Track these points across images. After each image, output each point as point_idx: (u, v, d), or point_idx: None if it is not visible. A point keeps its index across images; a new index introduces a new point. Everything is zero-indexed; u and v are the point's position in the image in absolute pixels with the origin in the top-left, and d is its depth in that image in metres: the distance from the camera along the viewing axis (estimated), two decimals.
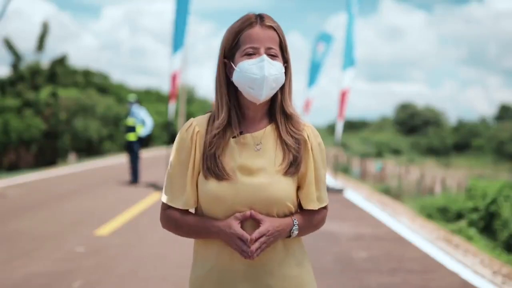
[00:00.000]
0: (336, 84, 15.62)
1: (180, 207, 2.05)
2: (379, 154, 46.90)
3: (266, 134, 2.06)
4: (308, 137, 2.07)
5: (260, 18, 2.04)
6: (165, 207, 2.09)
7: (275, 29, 2.04)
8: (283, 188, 2.01)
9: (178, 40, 13.39)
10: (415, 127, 64.15)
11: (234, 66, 2.02)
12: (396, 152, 53.17)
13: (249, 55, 2.00)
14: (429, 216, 11.51)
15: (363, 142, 55.21)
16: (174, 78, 13.52)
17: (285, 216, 2.04)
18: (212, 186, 2.00)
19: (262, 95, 2.00)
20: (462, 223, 10.51)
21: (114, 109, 32.06)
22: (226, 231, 1.97)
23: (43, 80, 29.14)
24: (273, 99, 2.08)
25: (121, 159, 21.44)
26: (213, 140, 2.03)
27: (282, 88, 2.07)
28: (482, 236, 9.83)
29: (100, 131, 30.38)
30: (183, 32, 13.41)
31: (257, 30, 2.02)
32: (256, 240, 1.96)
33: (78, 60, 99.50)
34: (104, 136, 31.28)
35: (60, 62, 30.63)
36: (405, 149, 55.26)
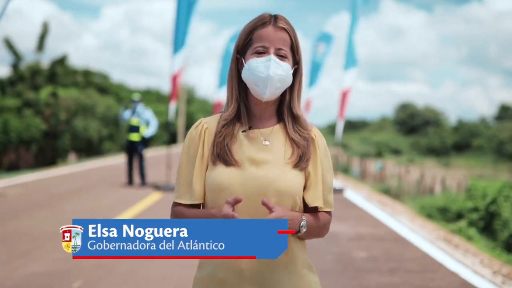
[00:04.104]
0: (337, 84, 15.65)
1: (187, 202, 2.08)
2: (379, 154, 46.89)
3: (274, 131, 2.10)
4: (315, 136, 2.12)
5: (274, 19, 2.09)
6: (174, 205, 2.13)
7: (288, 31, 2.08)
8: (292, 180, 2.03)
9: (179, 40, 13.38)
10: (415, 127, 64.16)
11: (244, 63, 2.08)
12: (396, 152, 53.19)
13: (259, 53, 2.06)
14: (429, 216, 11.52)
15: (363, 142, 55.25)
16: (175, 78, 13.50)
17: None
18: (220, 172, 2.03)
19: (266, 93, 2.04)
20: (462, 223, 10.52)
21: (114, 109, 32.05)
22: (217, 215, 1.97)
23: (43, 80, 29.13)
24: (282, 99, 2.12)
25: (121, 159, 21.44)
26: (222, 130, 2.08)
27: (291, 88, 2.12)
28: (482, 236, 9.84)
29: (100, 131, 30.38)
30: (184, 32, 13.38)
31: (269, 30, 2.07)
32: None
33: (78, 60, 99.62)
34: (104, 136, 31.27)
35: (60, 62, 30.62)
36: (405, 149, 55.29)
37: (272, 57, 2.03)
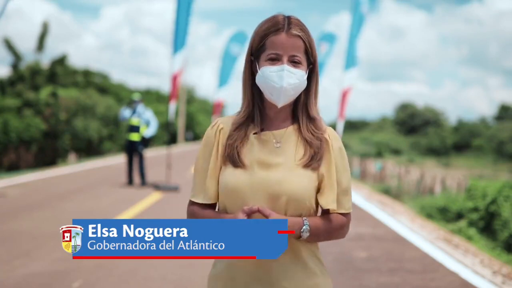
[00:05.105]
0: (337, 84, 15.63)
1: (201, 202, 2.10)
2: (379, 154, 46.92)
3: (287, 133, 2.09)
4: (329, 137, 2.09)
5: (288, 24, 2.05)
6: (190, 204, 2.16)
7: (301, 37, 2.05)
8: (300, 183, 2.01)
9: (179, 41, 13.38)
10: (415, 127, 64.17)
11: (258, 69, 2.07)
12: (396, 152, 53.21)
13: (272, 60, 2.04)
14: (429, 216, 11.52)
15: (363, 142, 55.24)
16: (174, 78, 13.50)
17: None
18: (229, 173, 2.05)
19: (280, 102, 2.04)
20: (462, 223, 10.52)
21: (114, 109, 32.05)
22: None
23: (43, 80, 29.14)
24: (297, 100, 2.10)
25: (121, 159, 21.44)
26: (233, 133, 2.08)
27: (307, 90, 2.10)
28: (482, 236, 9.84)
29: (100, 131, 30.38)
30: (184, 33, 13.40)
31: (282, 38, 2.04)
32: None
33: (78, 60, 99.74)
34: (104, 136, 31.28)
35: (60, 62, 30.64)
36: (405, 149, 55.30)
37: (286, 67, 2.02)
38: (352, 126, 65.86)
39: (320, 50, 19.11)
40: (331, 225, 2.06)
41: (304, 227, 1.99)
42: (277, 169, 2.03)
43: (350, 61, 14.98)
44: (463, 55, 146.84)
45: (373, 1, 15.15)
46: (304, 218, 2.01)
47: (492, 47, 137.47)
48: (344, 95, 15.20)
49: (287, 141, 2.07)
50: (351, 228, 9.07)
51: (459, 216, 11.27)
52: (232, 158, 2.05)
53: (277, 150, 2.06)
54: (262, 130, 2.09)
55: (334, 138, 2.09)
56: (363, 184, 18.48)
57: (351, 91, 15.30)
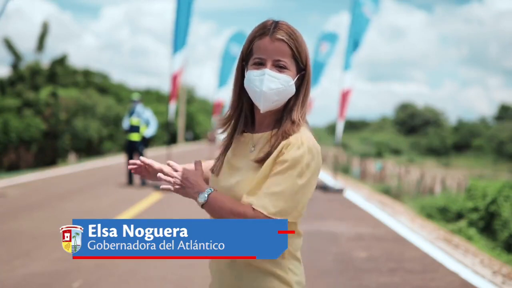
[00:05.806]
0: (337, 84, 15.61)
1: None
2: (379, 154, 46.94)
3: (264, 138, 2.08)
4: (285, 145, 2.00)
5: (273, 28, 2.03)
6: None
7: (286, 41, 2.02)
8: (246, 188, 2.01)
9: (179, 40, 13.39)
10: (415, 127, 64.20)
11: (245, 73, 2.08)
12: (396, 152, 53.23)
13: (257, 64, 2.04)
14: (429, 216, 11.52)
15: (363, 142, 55.28)
16: (174, 78, 13.51)
17: None
18: (212, 175, 2.21)
19: (261, 106, 2.04)
20: (462, 223, 10.52)
21: (114, 109, 32.06)
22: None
23: (43, 80, 29.14)
24: (286, 105, 2.08)
25: (121, 159, 21.44)
26: (226, 138, 2.18)
27: (296, 95, 2.08)
28: (482, 236, 9.84)
29: (100, 131, 30.38)
30: (185, 33, 13.40)
31: (266, 42, 2.03)
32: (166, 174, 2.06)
33: (78, 60, 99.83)
34: (104, 136, 31.28)
35: (60, 62, 30.65)
36: (405, 149, 55.34)
37: (267, 71, 2.01)
38: (352, 126, 65.90)
39: (321, 50, 19.04)
40: (229, 206, 1.97)
41: (203, 193, 1.99)
42: (236, 173, 2.06)
43: (349, 62, 14.94)
44: (463, 55, 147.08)
45: (376, 2, 15.07)
46: (211, 187, 2.01)
47: (492, 47, 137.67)
48: (344, 96, 15.17)
49: (260, 145, 2.06)
50: (351, 228, 9.04)
51: (459, 216, 11.27)
52: (215, 165, 2.16)
53: (249, 154, 2.07)
54: (243, 132, 2.12)
55: (293, 148, 1.98)
56: (363, 184, 18.48)
57: (351, 91, 15.26)
